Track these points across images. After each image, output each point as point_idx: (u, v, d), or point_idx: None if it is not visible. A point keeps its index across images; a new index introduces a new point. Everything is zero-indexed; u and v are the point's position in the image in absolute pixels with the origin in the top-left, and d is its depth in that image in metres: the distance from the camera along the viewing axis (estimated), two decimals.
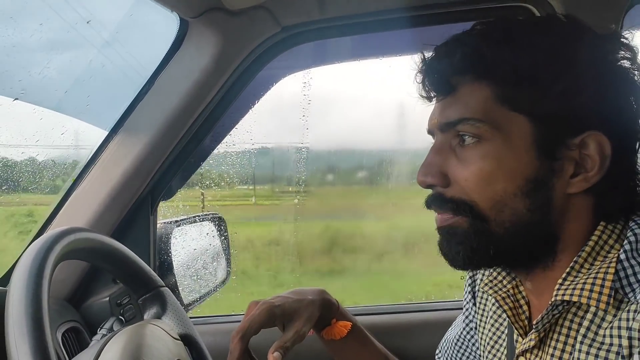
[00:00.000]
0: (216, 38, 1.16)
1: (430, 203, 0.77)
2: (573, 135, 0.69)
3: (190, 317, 1.23)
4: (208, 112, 1.26)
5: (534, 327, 0.74)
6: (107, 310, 1.30)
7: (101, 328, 1.18)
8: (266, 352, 0.85)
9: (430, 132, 0.80)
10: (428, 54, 0.77)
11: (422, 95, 0.79)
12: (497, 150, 0.70)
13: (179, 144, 1.27)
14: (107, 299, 1.31)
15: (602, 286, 0.67)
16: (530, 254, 0.74)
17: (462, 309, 1.05)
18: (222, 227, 1.65)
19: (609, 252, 0.70)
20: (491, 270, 0.86)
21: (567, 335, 0.71)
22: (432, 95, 0.78)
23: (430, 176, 0.74)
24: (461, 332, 1.02)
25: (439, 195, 0.75)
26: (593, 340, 0.67)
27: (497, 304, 0.86)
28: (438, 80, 0.75)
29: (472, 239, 0.72)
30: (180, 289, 1.47)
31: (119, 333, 0.91)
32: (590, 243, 0.71)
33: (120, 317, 1.26)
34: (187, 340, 1.05)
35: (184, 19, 1.14)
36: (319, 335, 1.01)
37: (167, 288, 1.08)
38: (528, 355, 0.76)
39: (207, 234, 1.59)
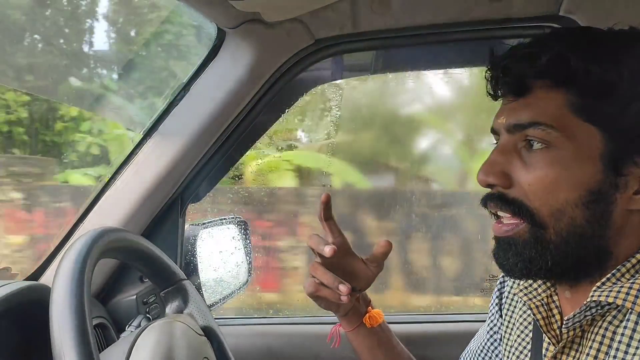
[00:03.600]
0: (252, 49, 1.19)
1: (488, 201, 0.77)
2: None
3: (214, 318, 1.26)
4: (240, 119, 1.29)
5: (563, 325, 0.74)
6: (134, 307, 1.33)
7: (129, 325, 1.21)
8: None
9: (494, 131, 0.79)
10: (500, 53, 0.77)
11: (489, 93, 0.79)
12: (564, 159, 0.70)
13: (210, 149, 1.30)
14: (134, 297, 1.34)
15: (639, 290, 0.68)
16: (582, 266, 0.74)
17: (484, 321, 1.06)
18: (246, 231, 1.68)
19: None
20: None
21: (601, 343, 0.71)
22: (501, 93, 0.78)
23: (493, 175, 0.74)
24: (485, 343, 1.03)
25: (500, 195, 0.75)
26: (629, 345, 0.67)
27: (526, 313, 0.86)
28: (513, 80, 0.74)
29: (530, 249, 0.72)
30: (203, 289, 1.50)
31: (147, 328, 0.94)
32: (638, 256, 0.71)
33: (147, 315, 1.30)
34: (208, 332, 1.08)
35: (222, 29, 1.18)
36: (348, 330, 1.04)
37: (188, 281, 1.11)
38: None
39: (232, 237, 1.62)
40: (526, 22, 1.25)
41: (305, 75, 1.31)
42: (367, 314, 1.03)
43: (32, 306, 1.03)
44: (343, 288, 0.88)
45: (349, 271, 0.96)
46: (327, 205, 0.94)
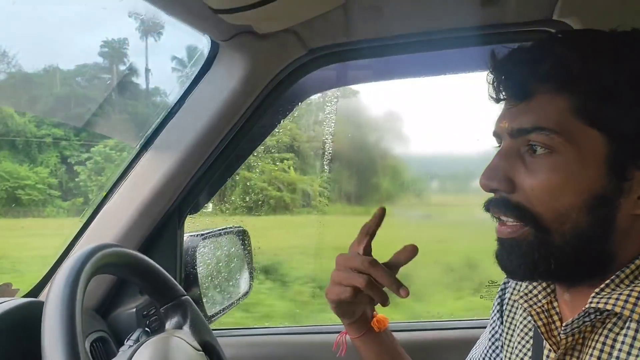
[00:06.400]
0: (245, 60, 1.20)
1: (491, 206, 0.76)
2: None
3: (213, 329, 1.26)
4: (235, 130, 1.29)
5: (562, 331, 0.73)
6: (134, 321, 1.33)
7: (128, 339, 1.20)
8: None
9: (496, 134, 0.79)
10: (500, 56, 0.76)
11: (491, 96, 0.78)
12: (568, 164, 0.69)
13: (207, 160, 1.30)
14: (134, 310, 1.34)
15: (638, 298, 0.67)
16: (585, 269, 0.73)
17: (484, 328, 1.05)
18: (246, 241, 1.68)
19: None
20: (527, 284, 0.86)
21: (602, 350, 0.70)
22: (502, 97, 0.77)
23: (496, 180, 0.74)
24: (487, 351, 1.02)
25: (503, 199, 0.74)
26: (629, 354, 0.67)
27: (526, 319, 0.85)
28: (516, 84, 0.74)
29: (535, 252, 0.72)
30: (204, 300, 1.50)
31: (144, 344, 0.94)
32: (637, 262, 0.71)
33: (146, 328, 1.30)
34: (208, 348, 1.08)
35: (215, 41, 1.18)
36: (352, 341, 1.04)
37: (188, 297, 1.10)
38: None
39: (232, 247, 1.62)
40: (520, 27, 1.25)
41: (299, 84, 1.31)
42: (374, 319, 1.03)
43: (30, 322, 1.03)
44: (404, 292, 0.89)
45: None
46: (379, 219, 0.96)
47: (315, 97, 1.46)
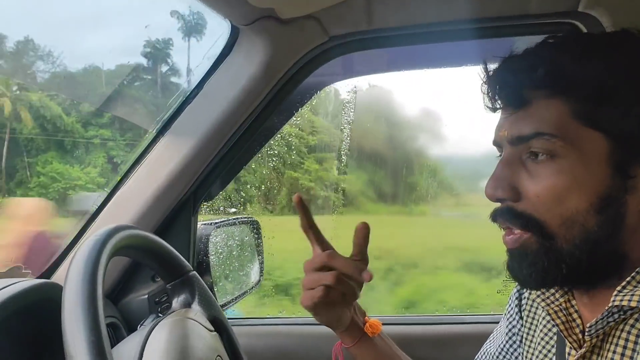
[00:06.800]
0: (266, 45, 1.18)
1: (497, 216, 0.76)
2: None
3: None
4: (253, 117, 1.28)
5: (586, 332, 0.73)
6: (145, 307, 1.33)
7: (141, 325, 1.20)
8: None
9: (497, 144, 0.79)
10: (492, 65, 0.76)
11: (486, 106, 0.78)
12: (571, 167, 0.69)
13: (223, 147, 1.29)
14: (146, 296, 1.33)
15: None
16: (598, 271, 0.73)
17: (496, 323, 1.04)
18: (258, 231, 1.67)
19: None
20: None
21: (625, 347, 0.70)
22: (498, 106, 0.77)
23: (501, 189, 0.74)
24: (504, 345, 1.01)
25: (509, 209, 0.74)
26: None
27: (548, 317, 0.85)
28: (511, 93, 0.74)
29: (543, 259, 0.71)
30: (215, 289, 1.49)
31: (160, 324, 0.92)
32: None
33: (159, 314, 1.29)
34: (217, 324, 1.06)
35: (236, 26, 1.16)
36: (346, 349, 1.03)
37: (195, 273, 1.08)
38: None
39: (245, 237, 1.61)
40: (544, 18, 1.23)
41: (319, 72, 1.30)
42: (367, 324, 1.03)
43: (44, 303, 1.03)
44: (367, 275, 0.90)
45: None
46: (304, 207, 0.95)
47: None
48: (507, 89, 0.74)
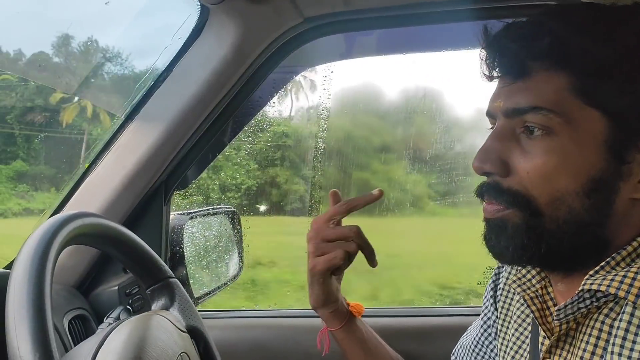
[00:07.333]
0: (237, 27, 1.13)
1: (482, 192, 0.73)
2: None
3: (200, 311, 1.21)
4: (226, 102, 1.23)
5: (554, 316, 0.70)
6: (116, 299, 1.29)
7: (108, 317, 1.16)
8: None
9: (490, 114, 0.75)
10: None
11: (484, 74, 0.75)
12: (565, 146, 0.66)
13: (195, 133, 1.24)
14: (116, 288, 1.30)
15: (634, 279, 0.64)
16: (578, 255, 0.70)
17: (477, 315, 1.02)
18: (236, 222, 1.63)
19: None
20: (520, 268, 0.82)
21: (598, 337, 0.67)
22: (497, 75, 0.74)
23: (490, 163, 0.71)
24: (479, 338, 0.99)
25: (495, 184, 0.71)
26: (624, 339, 0.63)
27: (523, 306, 0.82)
28: (512, 62, 0.70)
29: (523, 235, 0.69)
30: (191, 281, 1.45)
31: (124, 322, 0.89)
32: (634, 244, 0.68)
33: (128, 306, 1.25)
34: (194, 333, 1.03)
35: (205, 5, 1.11)
36: (332, 335, 1.04)
37: (176, 279, 1.06)
38: (554, 357, 0.73)
39: (221, 227, 1.57)
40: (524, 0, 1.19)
41: (294, 56, 1.25)
42: (350, 305, 1.05)
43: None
44: (375, 263, 0.96)
45: None
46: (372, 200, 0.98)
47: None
48: (507, 57, 0.71)
